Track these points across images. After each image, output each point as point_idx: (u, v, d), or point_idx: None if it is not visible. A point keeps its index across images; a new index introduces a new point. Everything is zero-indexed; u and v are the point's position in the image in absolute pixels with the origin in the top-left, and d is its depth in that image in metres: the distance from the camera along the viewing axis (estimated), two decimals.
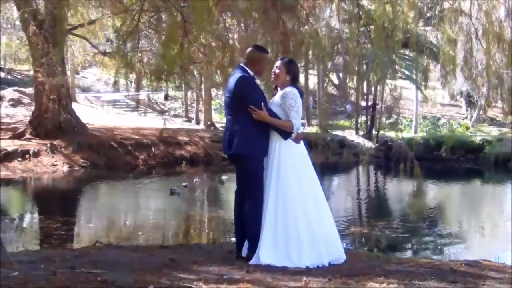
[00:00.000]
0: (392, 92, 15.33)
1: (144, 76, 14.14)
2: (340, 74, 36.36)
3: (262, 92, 5.35)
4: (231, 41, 13.55)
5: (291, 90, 5.15)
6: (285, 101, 5.11)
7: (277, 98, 5.23)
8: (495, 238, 10.66)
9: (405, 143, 16.18)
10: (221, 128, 26.14)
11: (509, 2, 14.02)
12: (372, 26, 12.81)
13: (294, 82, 5.27)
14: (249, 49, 5.45)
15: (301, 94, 5.25)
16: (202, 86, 28.92)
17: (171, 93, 35.53)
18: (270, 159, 5.10)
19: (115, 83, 12.13)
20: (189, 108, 34.75)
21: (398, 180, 16.72)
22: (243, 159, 5.09)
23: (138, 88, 15.72)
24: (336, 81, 39.69)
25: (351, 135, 27.65)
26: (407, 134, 29.70)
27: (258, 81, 5.58)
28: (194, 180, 16.76)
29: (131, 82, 14.52)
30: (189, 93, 34.08)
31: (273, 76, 5.31)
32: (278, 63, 5.29)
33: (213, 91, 32.57)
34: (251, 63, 5.22)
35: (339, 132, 28.07)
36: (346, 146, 24.06)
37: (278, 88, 5.32)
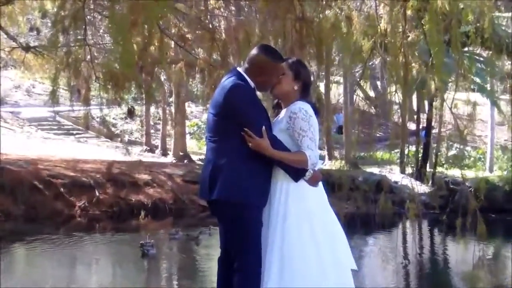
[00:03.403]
0: (453, 109, 15.36)
1: (96, 82, 14.17)
2: (378, 83, 36.53)
3: (265, 109, 5.29)
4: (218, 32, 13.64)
5: (302, 107, 5.15)
6: (295, 124, 5.10)
7: (282, 119, 5.21)
8: None
9: (470, 187, 16.17)
10: (200, 162, 26.12)
11: None
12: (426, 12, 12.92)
13: (305, 93, 5.26)
14: (254, 50, 5.34)
15: (317, 113, 5.23)
16: (172, 99, 28.98)
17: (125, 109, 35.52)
18: (272, 210, 5.09)
19: (53, 93, 12.10)
20: (152, 131, 34.78)
21: (464, 242, 16.66)
22: (232, 209, 5.07)
23: (87, 101, 15.70)
24: (371, 93, 39.85)
25: (393, 173, 27.63)
26: (479, 172, 29.70)
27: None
28: (173, 232, 16.56)
29: (78, 91, 14.52)
30: (152, 109, 34.10)
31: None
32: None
33: (189, 107, 32.64)
34: (254, 72, 5.17)
35: (375, 169, 28.07)
36: (385, 189, 24.00)
37: (282, 104, 5.32)
